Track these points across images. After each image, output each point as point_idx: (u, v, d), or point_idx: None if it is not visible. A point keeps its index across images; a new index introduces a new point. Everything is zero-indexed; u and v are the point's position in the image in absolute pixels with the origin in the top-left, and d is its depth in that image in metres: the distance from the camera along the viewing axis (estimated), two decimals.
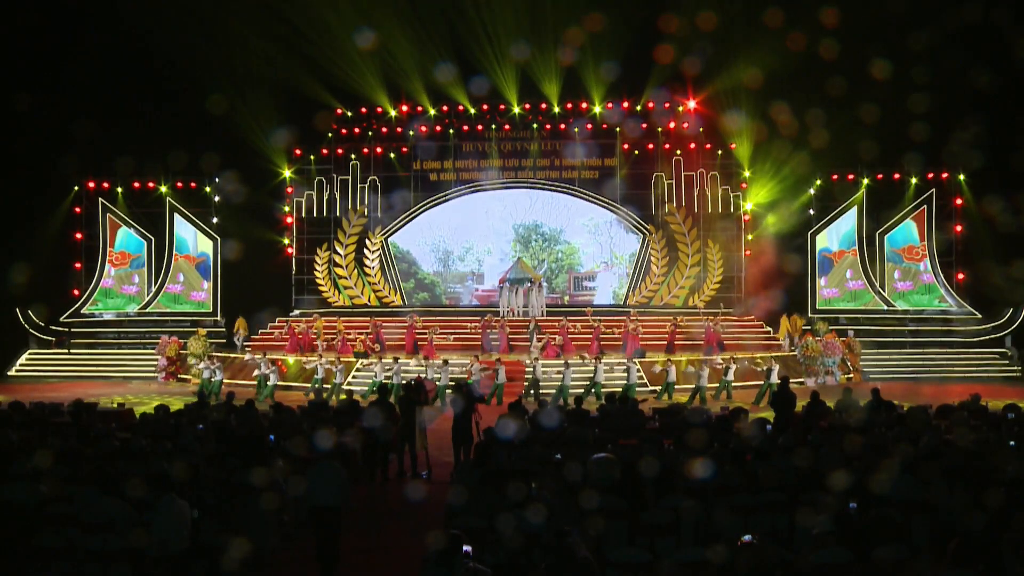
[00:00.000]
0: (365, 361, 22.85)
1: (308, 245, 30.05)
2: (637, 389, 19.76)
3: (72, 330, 27.81)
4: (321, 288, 29.72)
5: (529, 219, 29.90)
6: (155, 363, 25.57)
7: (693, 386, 20.59)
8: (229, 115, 26.10)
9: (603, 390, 19.30)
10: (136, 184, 29.53)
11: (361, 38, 26.28)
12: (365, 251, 29.82)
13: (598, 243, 29.93)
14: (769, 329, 26.89)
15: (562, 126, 29.64)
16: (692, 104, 28.99)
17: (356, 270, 29.77)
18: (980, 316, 27.12)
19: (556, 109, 29.46)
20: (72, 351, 27.39)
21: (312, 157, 30.06)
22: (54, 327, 27.81)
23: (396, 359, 21.15)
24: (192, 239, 29.38)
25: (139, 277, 29.50)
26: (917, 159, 27.55)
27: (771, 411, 14.63)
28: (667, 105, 28.87)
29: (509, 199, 29.99)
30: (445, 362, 20.88)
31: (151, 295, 29.21)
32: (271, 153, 29.14)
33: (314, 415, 13.79)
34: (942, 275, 27.89)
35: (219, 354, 23.68)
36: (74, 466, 9.57)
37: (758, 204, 28.96)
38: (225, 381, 21.88)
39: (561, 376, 20.21)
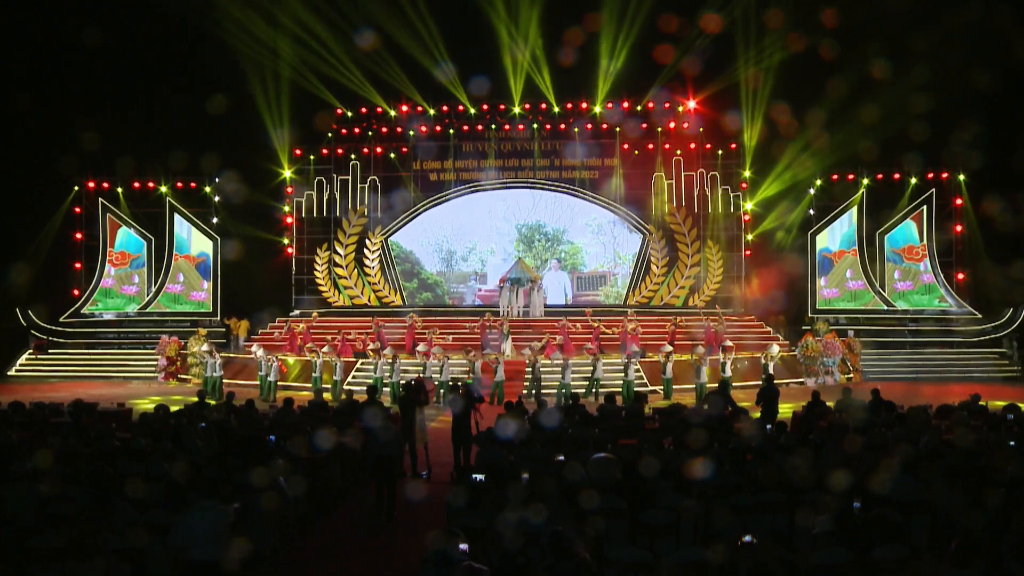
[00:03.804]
0: (365, 360, 22.86)
1: (308, 245, 30.05)
2: (636, 388, 19.77)
3: (51, 338, 27.72)
4: (321, 288, 29.72)
5: (532, 219, 29.89)
6: (155, 363, 25.56)
7: (693, 385, 20.64)
8: (229, 115, 26.10)
9: (603, 390, 19.34)
10: (136, 184, 29.52)
11: (361, 38, 26.31)
12: (365, 251, 29.82)
13: (601, 243, 29.94)
14: (769, 329, 26.89)
15: (562, 126, 29.65)
16: (692, 104, 28.99)
17: (356, 270, 29.77)
18: (980, 316, 27.10)
19: (556, 109, 29.46)
20: (72, 352, 27.40)
21: (312, 157, 30.05)
22: (37, 330, 27.67)
23: (396, 358, 21.17)
24: (192, 239, 29.37)
25: (139, 277, 29.49)
26: (917, 159, 27.55)
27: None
28: (667, 105, 28.87)
29: (512, 199, 29.98)
30: (446, 359, 20.92)
31: (151, 295, 29.20)
32: (271, 153, 29.15)
33: (314, 415, 13.80)
34: (942, 275, 27.87)
35: (221, 353, 23.67)
36: (74, 466, 9.57)
37: (758, 204, 28.98)
38: (225, 381, 21.89)
39: (560, 375, 20.24)
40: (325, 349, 22.23)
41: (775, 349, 22.73)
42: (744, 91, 26.77)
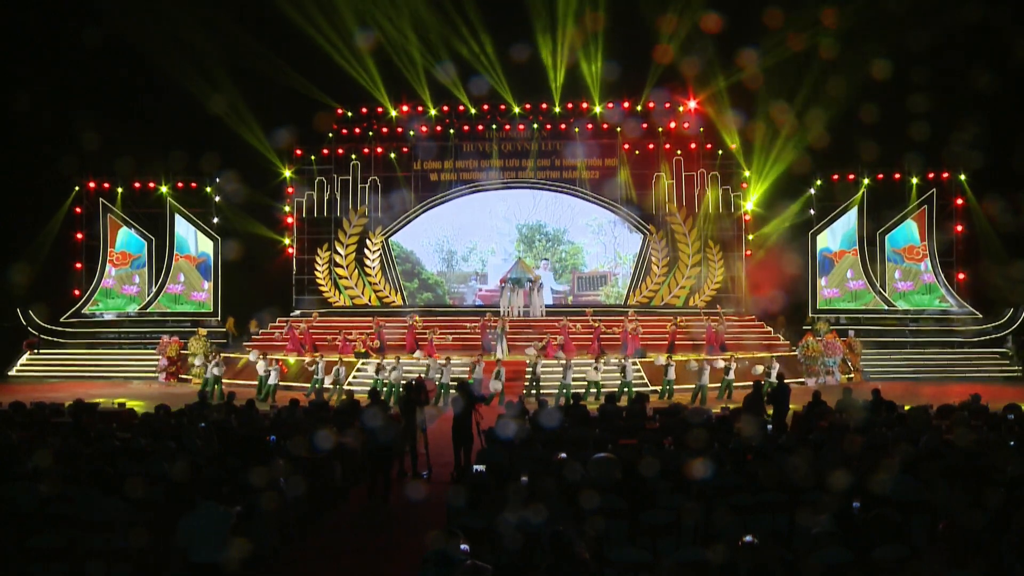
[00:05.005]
0: (366, 361, 22.87)
1: (309, 245, 30.05)
2: (635, 389, 19.78)
3: (50, 338, 27.70)
4: (322, 288, 29.72)
5: (532, 219, 29.88)
6: (156, 363, 25.57)
7: (694, 385, 20.64)
8: (229, 115, 26.12)
9: (604, 390, 19.33)
10: (136, 184, 29.52)
11: (361, 38, 26.31)
12: (366, 251, 29.82)
13: (601, 243, 29.93)
14: (770, 329, 26.90)
15: (562, 126, 29.64)
16: (692, 104, 28.98)
17: (356, 270, 29.77)
18: (981, 316, 27.09)
19: (556, 109, 29.46)
20: (73, 352, 27.39)
21: (312, 157, 30.05)
22: (39, 331, 27.67)
23: (397, 359, 21.18)
24: (192, 239, 29.38)
25: (139, 277, 29.49)
26: (917, 159, 27.54)
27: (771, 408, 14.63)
28: (667, 105, 28.85)
29: (512, 199, 29.96)
30: (447, 360, 20.93)
31: (152, 295, 29.20)
32: (271, 153, 29.15)
33: (315, 415, 13.81)
34: (943, 275, 27.87)
35: (223, 353, 23.70)
36: (74, 466, 9.57)
37: (758, 204, 28.98)
38: (225, 381, 21.87)
39: (561, 376, 20.26)
40: (319, 361, 22.00)
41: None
42: (744, 91, 26.76)
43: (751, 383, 19.48)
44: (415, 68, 27.75)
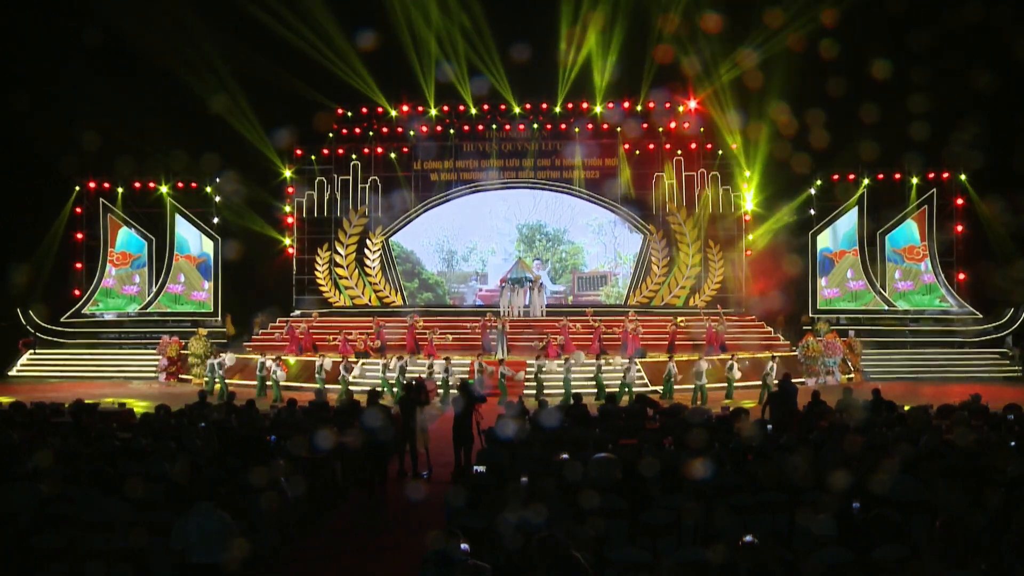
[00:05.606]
0: (366, 361, 22.87)
1: (309, 245, 30.05)
2: (635, 389, 19.78)
3: (49, 337, 27.70)
4: (322, 288, 29.71)
5: (532, 219, 29.88)
6: (156, 363, 25.58)
7: (694, 385, 20.62)
8: (229, 115, 26.11)
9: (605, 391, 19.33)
10: (136, 184, 29.49)
11: (361, 38, 26.31)
12: (366, 251, 29.82)
13: (602, 243, 29.93)
14: (770, 329, 26.90)
15: (563, 126, 29.63)
16: (692, 104, 28.98)
17: (357, 270, 29.77)
18: (981, 316, 27.09)
19: (557, 109, 29.46)
20: (73, 352, 27.41)
21: (313, 157, 30.04)
22: (39, 331, 27.67)
23: (400, 357, 21.19)
24: (193, 239, 29.36)
25: (140, 277, 29.48)
26: (917, 159, 27.53)
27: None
28: (667, 105, 28.85)
29: (512, 199, 29.96)
30: (447, 360, 20.94)
31: (152, 295, 29.20)
32: (271, 153, 29.14)
33: (315, 415, 13.81)
34: (943, 275, 27.86)
35: (223, 353, 23.69)
36: (74, 466, 9.57)
37: (758, 204, 28.96)
38: (225, 381, 21.85)
39: (563, 375, 20.27)
40: (323, 361, 22.07)
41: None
42: (744, 91, 26.76)
43: (758, 383, 19.58)
44: (415, 68, 27.74)
